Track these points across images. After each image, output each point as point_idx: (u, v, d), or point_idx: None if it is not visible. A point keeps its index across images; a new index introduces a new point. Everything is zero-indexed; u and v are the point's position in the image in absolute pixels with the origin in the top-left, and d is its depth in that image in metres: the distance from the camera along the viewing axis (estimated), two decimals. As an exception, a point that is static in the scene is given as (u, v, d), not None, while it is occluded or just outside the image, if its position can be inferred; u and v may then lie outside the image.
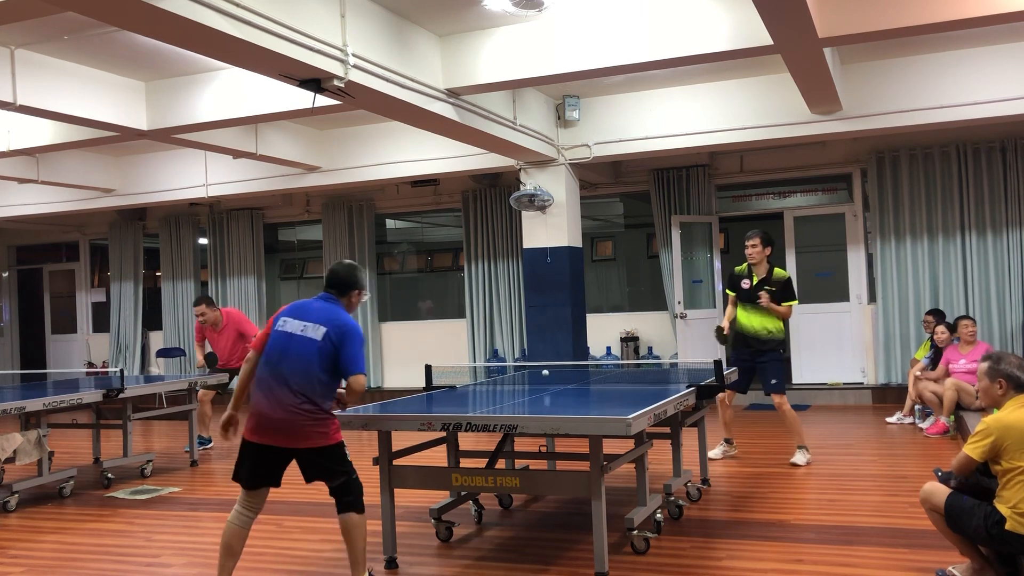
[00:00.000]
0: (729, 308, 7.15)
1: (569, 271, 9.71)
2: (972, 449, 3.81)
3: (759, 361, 6.98)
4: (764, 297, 6.83)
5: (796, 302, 7.15)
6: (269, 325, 4.26)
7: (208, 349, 8.95)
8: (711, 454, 7.10)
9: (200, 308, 8.78)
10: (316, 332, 4.08)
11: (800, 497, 6.04)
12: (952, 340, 8.45)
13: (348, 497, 4.11)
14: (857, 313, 10.74)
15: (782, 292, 6.94)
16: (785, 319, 7.03)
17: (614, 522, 4.81)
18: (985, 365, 3.98)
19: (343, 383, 4.16)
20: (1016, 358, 3.95)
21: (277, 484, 4.20)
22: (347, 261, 4.43)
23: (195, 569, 4.91)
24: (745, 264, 7.10)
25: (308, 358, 4.04)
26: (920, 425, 8.48)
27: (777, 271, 7.03)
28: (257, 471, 4.14)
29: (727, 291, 7.21)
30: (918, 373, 8.60)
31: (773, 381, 6.92)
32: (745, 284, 7.02)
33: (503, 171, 10.88)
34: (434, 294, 13.57)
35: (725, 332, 7.01)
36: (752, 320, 6.99)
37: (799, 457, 6.96)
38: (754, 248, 6.93)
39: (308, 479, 4.17)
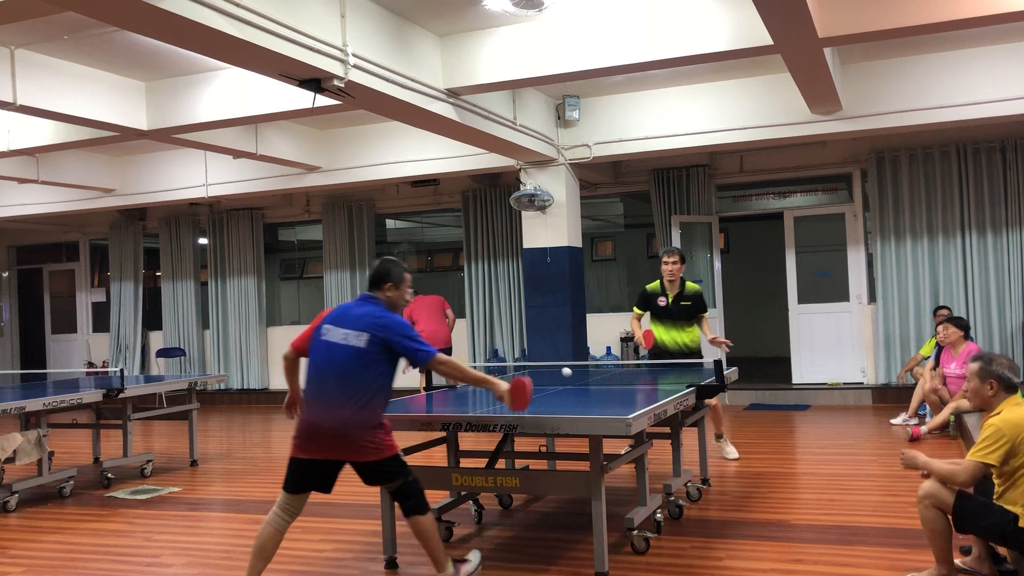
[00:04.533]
0: (636, 325, 7.12)
1: (569, 271, 9.71)
2: (986, 455, 3.77)
3: None
4: (724, 346, 6.99)
5: (708, 312, 7.20)
6: (311, 328, 4.20)
7: None
8: (733, 453, 7.17)
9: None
10: (359, 339, 4.01)
11: (800, 497, 6.04)
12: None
13: (409, 502, 4.08)
14: (857, 313, 10.74)
15: (697, 305, 6.97)
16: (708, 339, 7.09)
17: (614, 522, 4.80)
18: (976, 366, 4.00)
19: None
20: (1006, 359, 3.98)
21: (327, 491, 4.14)
22: (385, 257, 4.35)
23: (195, 569, 4.91)
24: (657, 281, 7.08)
25: (354, 367, 3.98)
26: (920, 427, 8.45)
27: (690, 285, 7.04)
28: (305, 480, 4.09)
29: (636, 309, 7.16)
30: (928, 375, 8.51)
31: None
32: (662, 301, 7.01)
33: (503, 171, 10.88)
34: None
35: (646, 348, 7.02)
36: (672, 335, 7.00)
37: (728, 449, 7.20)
38: (674, 265, 6.92)
39: (369, 483, 4.16)
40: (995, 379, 3.92)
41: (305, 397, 4.11)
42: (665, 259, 6.96)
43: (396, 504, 4.17)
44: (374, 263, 4.33)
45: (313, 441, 4.01)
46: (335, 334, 4.08)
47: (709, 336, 6.98)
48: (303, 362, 4.32)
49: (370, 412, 3.99)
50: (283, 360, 4.35)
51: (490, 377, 4.27)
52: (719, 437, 7.30)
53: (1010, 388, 3.91)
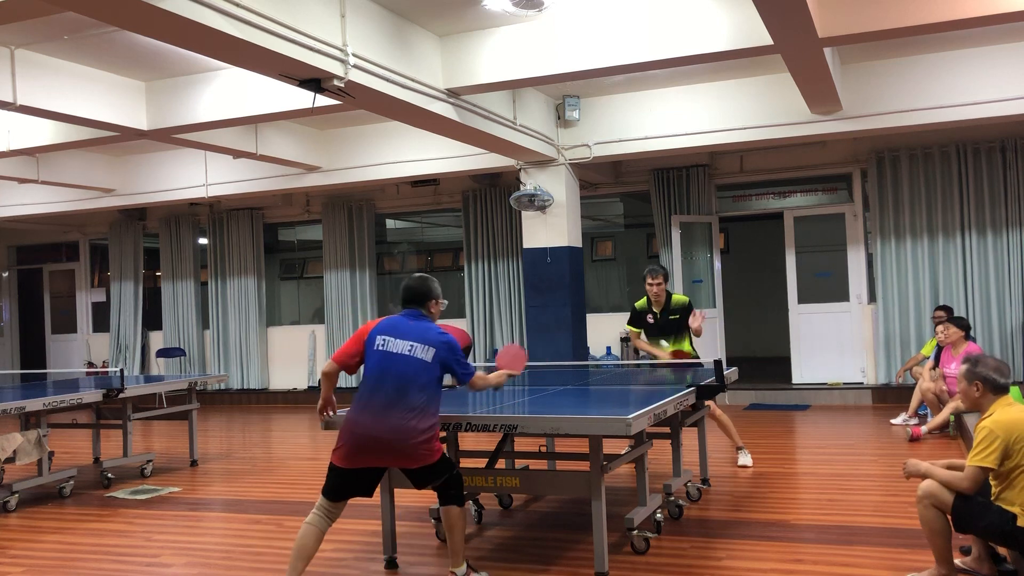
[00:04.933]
0: (646, 345, 7.07)
1: (569, 271, 9.71)
2: (983, 459, 3.77)
3: None
4: (698, 317, 6.82)
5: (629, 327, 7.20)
6: (359, 342, 4.26)
7: None
8: (747, 461, 7.07)
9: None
10: (426, 353, 4.13)
11: (800, 497, 6.04)
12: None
13: (451, 491, 4.22)
14: (857, 313, 10.74)
15: (687, 316, 6.92)
16: (698, 335, 7.01)
17: (614, 522, 4.80)
18: (963, 368, 4.02)
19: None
20: (994, 360, 3.99)
21: (370, 495, 4.25)
22: (418, 275, 4.46)
23: (195, 569, 4.91)
24: (644, 299, 7.06)
25: (420, 377, 4.09)
26: (920, 427, 8.45)
27: (676, 297, 7.00)
28: (349, 488, 4.17)
29: (631, 327, 7.11)
30: (927, 375, 8.52)
31: None
32: (650, 319, 7.00)
33: (503, 171, 10.88)
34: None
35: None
36: (663, 350, 6.99)
37: (744, 458, 7.01)
38: (659, 286, 6.88)
39: (419, 487, 4.29)
40: (980, 380, 3.94)
41: (357, 406, 4.16)
42: (649, 281, 6.87)
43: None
44: (410, 281, 4.41)
45: (365, 450, 4.08)
46: (398, 345, 4.16)
47: (693, 326, 6.88)
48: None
49: (426, 421, 4.10)
50: (323, 377, 4.38)
51: (498, 373, 4.57)
52: (739, 449, 7.16)
53: (997, 389, 3.92)
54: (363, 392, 4.17)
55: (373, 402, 4.09)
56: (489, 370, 4.76)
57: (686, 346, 7.00)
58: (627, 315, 7.25)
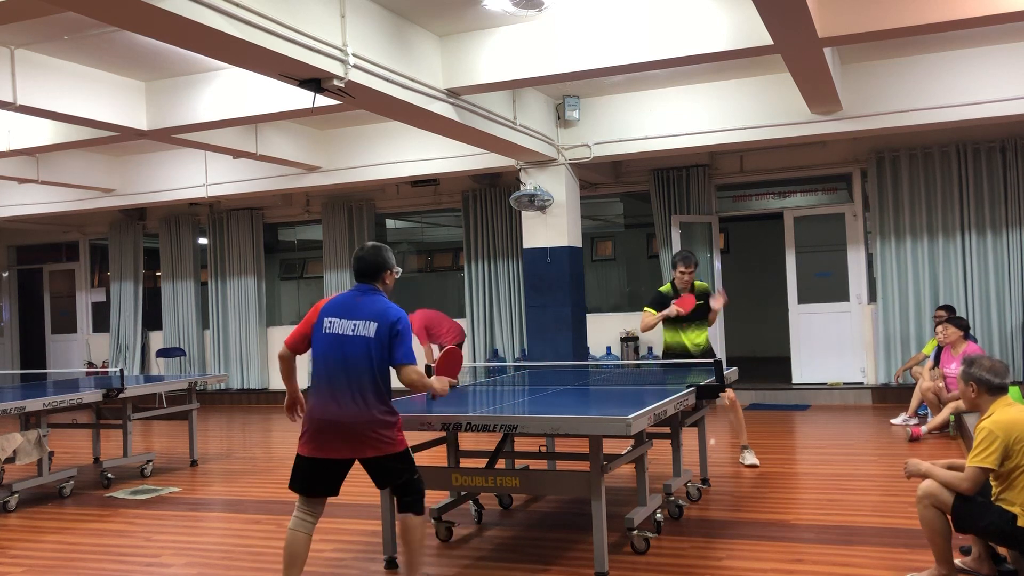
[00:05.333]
0: (654, 314, 6.97)
1: (569, 271, 9.71)
2: (983, 459, 3.78)
3: None
4: (720, 298, 6.85)
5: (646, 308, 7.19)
6: (308, 324, 4.09)
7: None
8: (752, 461, 7.05)
9: None
10: (368, 329, 3.94)
11: (800, 497, 6.04)
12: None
13: (407, 497, 4.01)
14: (857, 313, 10.73)
15: (707, 302, 6.92)
16: (711, 323, 7.03)
17: (614, 522, 4.80)
18: (960, 369, 4.07)
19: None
20: (989, 361, 4.00)
21: (335, 494, 4.05)
22: (369, 244, 4.20)
23: (195, 569, 4.91)
24: (668, 284, 7.03)
25: (366, 359, 3.91)
26: (920, 427, 8.45)
27: (698, 284, 6.99)
28: (315, 482, 4.00)
29: (650, 310, 6.98)
30: (927, 375, 8.52)
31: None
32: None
33: (503, 171, 10.88)
34: (434, 294, 13.57)
35: (685, 311, 6.92)
36: (690, 337, 6.94)
37: (750, 458, 7.00)
38: (691, 275, 6.87)
39: (381, 485, 4.12)
40: (975, 382, 3.96)
41: (314, 393, 4.02)
42: (683, 269, 6.82)
43: (393, 504, 4.13)
44: (362, 252, 4.14)
45: (325, 438, 3.92)
46: (343, 326, 3.98)
47: (716, 307, 6.87)
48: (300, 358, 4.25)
49: (382, 404, 3.95)
50: (280, 361, 4.22)
51: (438, 379, 4.23)
52: (744, 448, 7.13)
53: (993, 390, 3.93)
54: (318, 378, 4.01)
55: (329, 387, 3.94)
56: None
57: (704, 338, 6.97)
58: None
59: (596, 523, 4.28)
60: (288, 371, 4.25)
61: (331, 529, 5.40)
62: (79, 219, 14.34)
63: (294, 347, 4.15)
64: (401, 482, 4.01)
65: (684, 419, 5.72)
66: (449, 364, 4.40)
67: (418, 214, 13.37)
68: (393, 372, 3.97)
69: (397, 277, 4.23)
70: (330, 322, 4.02)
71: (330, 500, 4.09)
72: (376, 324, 3.95)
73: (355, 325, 3.96)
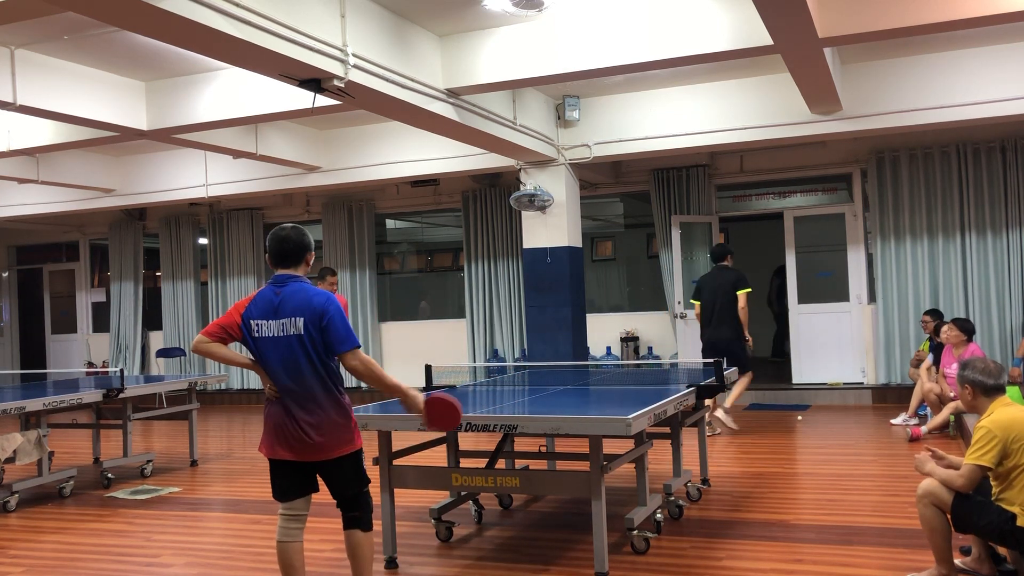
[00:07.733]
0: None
1: (569, 271, 9.71)
2: (980, 457, 3.79)
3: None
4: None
5: (749, 290, 7.83)
6: (231, 320, 3.77)
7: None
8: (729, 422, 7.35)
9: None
10: (296, 326, 3.67)
11: (800, 497, 6.04)
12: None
13: (354, 512, 3.82)
14: (857, 313, 10.73)
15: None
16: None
17: (614, 522, 4.81)
18: (957, 372, 4.10)
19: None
20: (982, 363, 4.03)
21: (315, 490, 3.86)
22: (289, 224, 3.89)
23: (195, 569, 4.91)
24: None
25: (304, 358, 3.68)
26: (920, 427, 8.45)
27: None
28: (291, 483, 3.80)
29: (696, 301, 7.42)
30: (927, 375, 8.52)
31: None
32: None
33: (503, 171, 10.88)
34: (434, 294, 13.57)
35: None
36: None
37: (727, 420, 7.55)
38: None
39: (335, 493, 3.83)
40: (970, 384, 3.99)
41: (270, 402, 3.81)
42: (724, 263, 7.29)
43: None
44: (282, 232, 3.83)
45: (283, 438, 3.73)
46: (271, 328, 3.71)
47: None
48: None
49: (335, 405, 3.74)
50: (199, 351, 3.78)
51: (404, 386, 3.78)
52: (726, 410, 7.37)
53: (988, 391, 3.95)
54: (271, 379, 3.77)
55: (281, 389, 3.72)
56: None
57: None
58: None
59: (596, 523, 4.28)
60: (219, 353, 3.78)
61: (331, 529, 5.39)
62: (79, 219, 14.34)
63: (212, 335, 3.78)
64: (350, 494, 3.82)
65: (684, 419, 5.72)
66: (443, 415, 3.85)
67: (418, 214, 13.37)
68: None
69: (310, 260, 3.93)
70: (258, 325, 3.74)
71: (330, 500, 4.04)
72: (302, 319, 3.68)
73: (282, 325, 3.70)
